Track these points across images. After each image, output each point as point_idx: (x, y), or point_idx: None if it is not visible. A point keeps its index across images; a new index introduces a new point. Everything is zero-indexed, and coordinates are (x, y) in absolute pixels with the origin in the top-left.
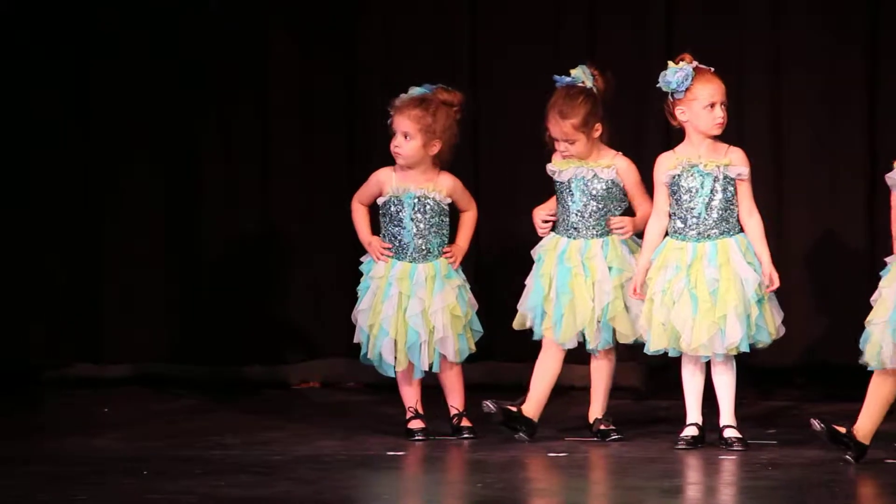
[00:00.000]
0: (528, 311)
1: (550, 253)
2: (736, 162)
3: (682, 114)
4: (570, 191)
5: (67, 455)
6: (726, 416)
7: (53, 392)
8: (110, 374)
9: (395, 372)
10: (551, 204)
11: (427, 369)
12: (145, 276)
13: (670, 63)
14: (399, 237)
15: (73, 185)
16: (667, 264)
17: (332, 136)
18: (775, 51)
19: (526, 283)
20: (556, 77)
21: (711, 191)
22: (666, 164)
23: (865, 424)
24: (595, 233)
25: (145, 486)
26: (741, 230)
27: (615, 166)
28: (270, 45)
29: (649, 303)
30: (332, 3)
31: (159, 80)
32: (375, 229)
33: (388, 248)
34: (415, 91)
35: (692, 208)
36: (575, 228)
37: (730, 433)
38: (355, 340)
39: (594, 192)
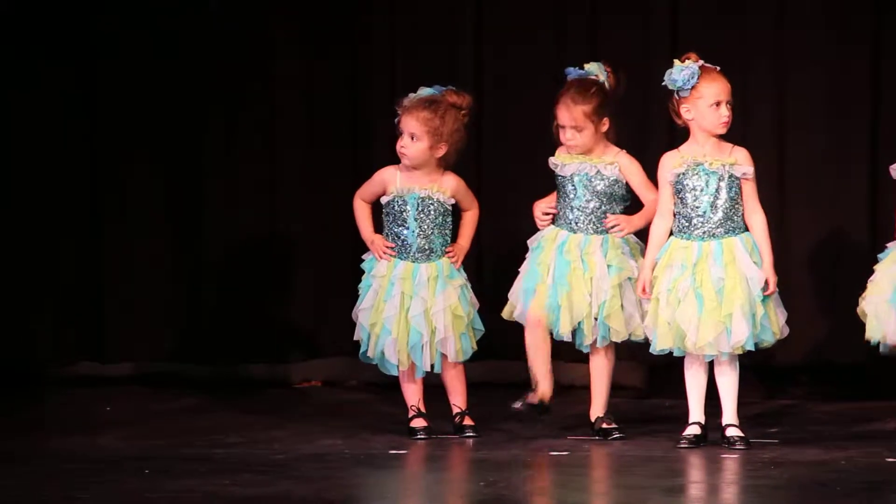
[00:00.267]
0: (519, 295)
1: (549, 244)
2: (741, 161)
3: (687, 112)
4: (573, 185)
5: (69, 453)
6: (729, 415)
7: (56, 390)
8: (113, 372)
9: (398, 371)
10: (552, 198)
11: (429, 369)
12: (148, 275)
13: (676, 61)
14: (402, 237)
15: (77, 184)
16: (672, 263)
17: (336, 135)
18: (779, 51)
19: (520, 271)
20: (568, 69)
21: (717, 190)
22: (671, 163)
23: None
24: (595, 229)
25: (147, 485)
26: (746, 229)
27: (618, 163)
28: (274, 45)
29: (655, 302)
30: (336, 2)
31: (162, 80)
32: (377, 227)
33: (391, 248)
34: (424, 92)
35: (697, 207)
36: (575, 223)
37: (732, 432)
38: (355, 338)
39: (597, 189)
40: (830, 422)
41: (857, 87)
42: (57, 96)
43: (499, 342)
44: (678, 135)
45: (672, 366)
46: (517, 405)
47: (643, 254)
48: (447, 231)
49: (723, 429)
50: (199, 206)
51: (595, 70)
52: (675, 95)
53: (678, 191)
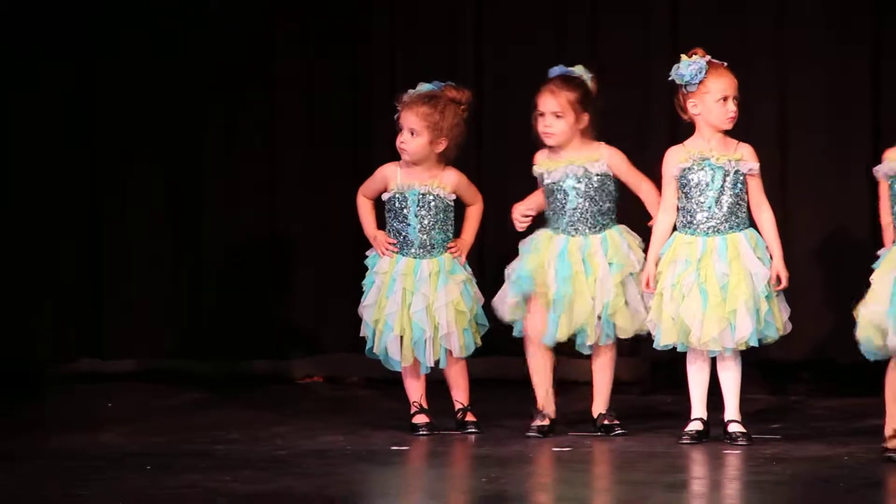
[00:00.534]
0: (512, 299)
1: (545, 250)
2: (747, 157)
3: (693, 107)
4: (563, 191)
5: (70, 450)
6: (731, 410)
7: (57, 387)
8: (114, 369)
9: (401, 367)
10: (531, 199)
11: (433, 365)
12: (149, 272)
13: (683, 56)
14: (403, 233)
15: (78, 183)
16: (676, 259)
17: (336, 135)
18: (780, 50)
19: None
20: (553, 68)
21: (722, 185)
22: (676, 158)
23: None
24: (593, 229)
25: (149, 481)
26: (750, 225)
27: (602, 157)
28: (274, 45)
29: (659, 297)
30: (336, 2)
31: (162, 80)
32: (380, 224)
33: (393, 244)
34: (423, 87)
35: (702, 202)
36: (572, 226)
37: (734, 428)
38: (361, 335)
39: (588, 189)
40: (832, 418)
41: (857, 87)
42: (57, 96)
43: (503, 339)
44: (679, 135)
45: (674, 362)
46: (530, 433)
47: (642, 248)
48: (448, 226)
49: (725, 425)
50: (200, 205)
51: (580, 71)
52: (682, 90)
53: (683, 185)
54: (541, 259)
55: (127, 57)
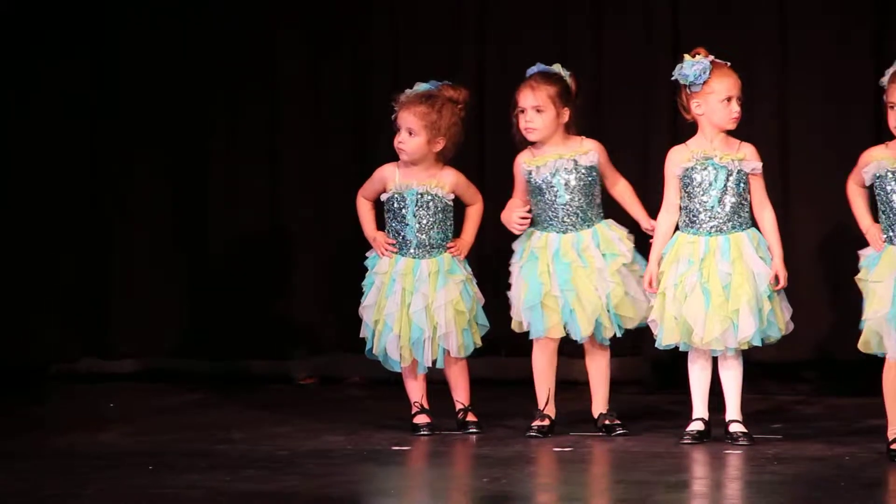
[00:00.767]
0: (523, 312)
1: (543, 251)
2: (749, 157)
3: (697, 107)
4: (553, 186)
5: (73, 450)
6: (732, 410)
7: (59, 387)
8: (116, 369)
9: (400, 367)
10: (518, 201)
11: (431, 365)
12: (152, 271)
13: (686, 56)
14: (402, 233)
15: (80, 182)
16: (679, 258)
17: (339, 131)
18: (782, 48)
19: (513, 284)
20: (530, 68)
21: (725, 184)
22: (679, 157)
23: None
24: (584, 224)
25: (151, 481)
26: (753, 225)
27: (591, 149)
28: (276, 45)
29: (661, 297)
30: (338, 2)
31: (166, 79)
32: (380, 225)
33: (393, 244)
34: (420, 87)
35: (705, 202)
36: (563, 223)
37: (736, 428)
38: (361, 335)
39: (577, 184)
40: (834, 418)
41: (858, 86)
42: (58, 96)
43: (503, 339)
44: (680, 134)
45: (675, 361)
46: (530, 433)
47: (631, 240)
48: (448, 226)
49: (726, 424)
50: (202, 205)
51: (558, 69)
52: (686, 90)
53: (685, 185)
54: (542, 265)
55: (128, 56)
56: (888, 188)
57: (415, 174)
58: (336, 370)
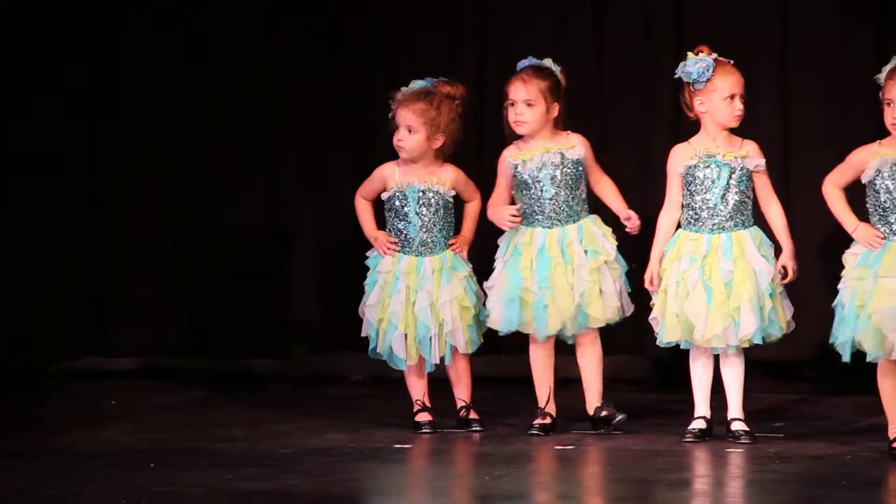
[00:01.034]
0: (503, 304)
1: (528, 248)
2: (753, 154)
3: (700, 105)
4: (539, 181)
5: (74, 448)
6: (734, 409)
7: (61, 385)
8: (118, 366)
9: (406, 365)
10: (502, 196)
11: (438, 362)
12: (152, 270)
13: (689, 54)
14: (404, 231)
15: (81, 178)
16: (681, 256)
17: (339, 131)
18: (783, 47)
19: (494, 278)
20: (520, 62)
21: (728, 182)
22: (682, 155)
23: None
24: (570, 219)
25: (152, 479)
26: (755, 223)
27: (578, 144)
28: (277, 44)
29: (663, 294)
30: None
31: (166, 79)
32: (380, 224)
33: (395, 243)
34: (416, 84)
35: (707, 199)
36: (549, 217)
37: (737, 426)
38: (363, 334)
39: (565, 178)
40: (835, 416)
41: (860, 84)
42: (58, 96)
43: (503, 336)
44: (681, 134)
45: (677, 359)
46: (532, 431)
47: (614, 239)
48: (449, 223)
49: (728, 423)
50: (205, 201)
51: (549, 64)
52: (689, 88)
53: (688, 183)
54: (526, 258)
55: (127, 57)
56: (890, 185)
57: (415, 172)
58: (337, 369)
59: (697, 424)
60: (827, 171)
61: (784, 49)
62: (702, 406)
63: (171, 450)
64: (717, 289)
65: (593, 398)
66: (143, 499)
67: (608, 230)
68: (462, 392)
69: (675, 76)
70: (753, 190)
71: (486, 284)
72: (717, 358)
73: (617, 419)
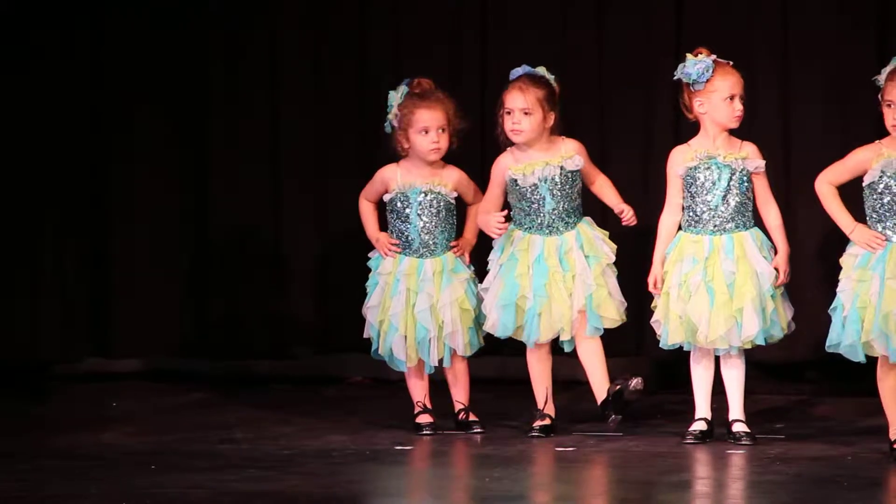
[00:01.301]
0: (497, 309)
1: (525, 254)
2: (752, 156)
3: (700, 106)
4: (540, 193)
5: (76, 449)
6: (735, 410)
7: (62, 386)
8: (120, 368)
9: (406, 367)
10: (492, 205)
11: (437, 364)
12: (154, 271)
13: (688, 55)
14: (406, 233)
15: (82, 179)
16: (683, 258)
17: (340, 131)
18: (784, 46)
19: (490, 281)
20: (514, 70)
21: (728, 184)
22: (682, 157)
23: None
24: (567, 227)
25: (154, 481)
26: (756, 224)
27: (576, 153)
28: (278, 44)
29: (665, 296)
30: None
31: (166, 79)
32: (382, 226)
33: (396, 244)
34: (402, 88)
35: (708, 201)
36: (549, 227)
37: (738, 427)
38: (365, 336)
39: (565, 188)
40: (836, 417)
41: (860, 84)
42: (58, 96)
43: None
44: (681, 135)
45: (678, 361)
46: (532, 433)
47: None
48: (451, 225)
49: (729, 424)
50: (207, 203)
51: (544, 72)
52: (688, 89)
53: (689, 185)
54: (523, 265)
55: (128, 57)
56: (894, 186)
57: (418, 173)
58: (338, 370)
59: (698, 426)
60: None
61: (784, 49)
62: (703, 407)
63: (172, 451)
64: (720, 290)
65: (601, 391)
66: (145, 500)
67: (605, 233)
68: (460, 394)
69: (675, 77)
70: (753, 191)
71: (480, 287)
72: (717, 359)
73: (632, 384)
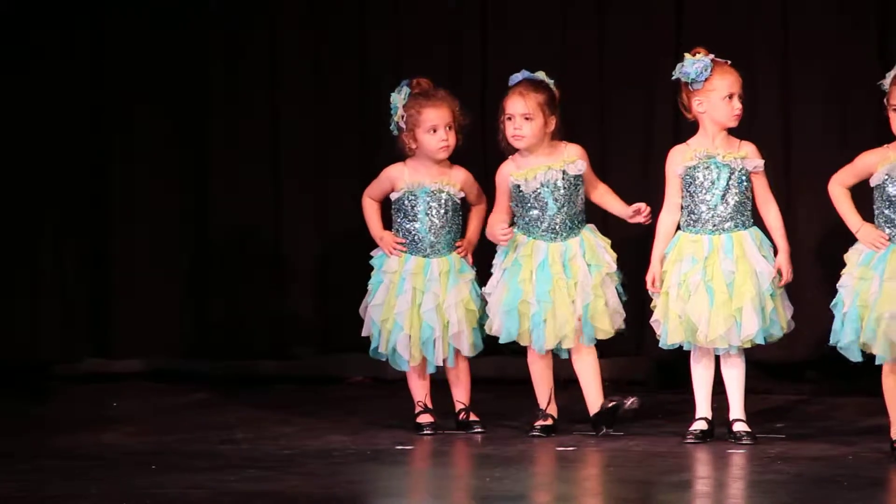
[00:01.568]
0: (501, 314)
1: (528, 259)
2: (751, 155)
3: (699, 105)
4: (542, 199)
5: (77, 449)
6: (736, 409)
7: (63, 386)
8: (120, 368)
9: (409, 366)
10: (503, 214)
11: (441, 364)
12: (157, 271)
13: (686, 55)
14: (413, 232)
15: (83, 179)
16: (682, 257)
17: (340, 130)
18: (784, 45)
19: (493, 285)
20: (514, 75)
21: (727, 183)
22: (681, 157)
23: None
24: (571, 233)
25: (154, 481)
26: (755, 223)
27: (578, 157)
28: (278, 43)
29: (665, 296)
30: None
31: (167, 79)
32: (386, 224)
33: (402, 243)
34: (402, 89)
35: (707, 200)
36: (553, 232)
37: (739, 427)
38: (364, 334)
39: (568, 193)
40: (836, 417)
41: (862, 85)
42: (58, 96)
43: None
44: (681, 135)
45: (678, 361)
46: (533, 433)
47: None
48: (457, 225)
49: (730, 424)
50: (207, 202)
51: (543, 77)
52: (687, 88)
53: (687, 184)
54: (526, 270)
55: (128, 57)
56: None
57: (426, 172)
58: (339, 370)
59: (699, 425)
60: (827, 171)
61: (784, 49)
62: (703, 407)
63: (172, 451)
64: (719, 290)
65: (594, 401)
66: (145, 500)
67: (607, 241)
68: (461, 394)
69: (673, 77)
70: (752, 190)
71: (484, 290)
72: (717, 359)
73: (628, 404)
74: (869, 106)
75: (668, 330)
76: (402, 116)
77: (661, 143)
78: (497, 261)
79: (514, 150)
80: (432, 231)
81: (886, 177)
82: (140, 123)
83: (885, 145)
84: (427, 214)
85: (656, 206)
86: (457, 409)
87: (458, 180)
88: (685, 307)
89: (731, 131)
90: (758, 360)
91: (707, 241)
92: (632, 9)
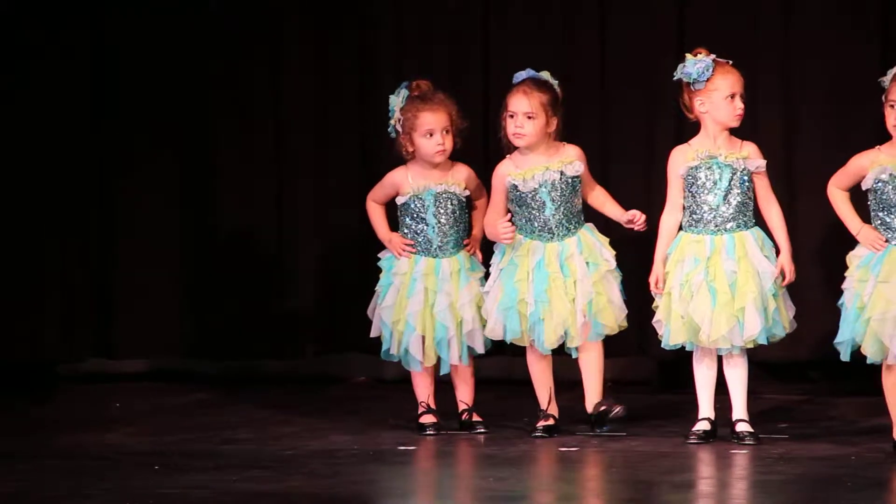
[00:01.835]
0: (499, 313)
1: (524, 259)
2: (753, 155)
3: (700, 105)
4: (539, 198)
5: (79, 449)
6: (739, 410)
7: (65, 386)
8: (123, 369)
9: (421, 367)
10: (498, 215)
11: (457, 363)
12: (159, 271)
13: (688, 55)
14: (422, 233)
15: (87, 180)
16: (684, 258)
17: (343, 131)
18: (786, 45)
19: (490, 285)
20: (519, 73)
21: (729, 183)
22: (683, 157)
23: None
24: (568, 233)
25: (157, 481)
26: (757, 224)
27: (576, 158)
28: (279, 43)
29: (667, 296)
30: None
31: (168, 80)
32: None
33: (410, 245)
34: (398, 94)
35: (709, 201)
36: (549, 232)
37: (742, 427)
38: (373, 335)
39: (565, 194)
40: (839, 417)
41: (863, 82)
42: (59, 96)
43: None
44: (685, 132)
45: (681, 361)
46: (536, 433)
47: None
48: (464, 223)
49: (732, 424)
50: (211, 202)
51: (547, 77)
52: (689, 89)
53: (689, 185)
54: (523, 270)
55: (128, 57)
56: (890, 191)
57: (429, 175)
58: (341, 370)
59: (702, 426)
60: (829, 171)
61: (786, 50)
62: (706, 407)
63: (175, 452)
64: (722, 290)
65: (593, 397)
66: (148, 501)
67: (605, 239)
68: (465, 395)
69: (675, 78)
70: (754, 190)
71: (482, 290)
72: (720, 359)
73: (614, 412)
74: (870, 106)
75: (671, 330)
76: (399, 120)
77: (663, 144)
78: (494, 260)
79: (514, 148)
80: (441, 232)
81: (875, 180)
82: (141, 124)
83: (877, 147)
84: (435, 216)
85: (658, 207)
86: (460, 410)
87: (461, 178)
88: (687, 307)
89: (733, 131)
90: (760, 360)
91: (709, 242)
92: (633, 9)
